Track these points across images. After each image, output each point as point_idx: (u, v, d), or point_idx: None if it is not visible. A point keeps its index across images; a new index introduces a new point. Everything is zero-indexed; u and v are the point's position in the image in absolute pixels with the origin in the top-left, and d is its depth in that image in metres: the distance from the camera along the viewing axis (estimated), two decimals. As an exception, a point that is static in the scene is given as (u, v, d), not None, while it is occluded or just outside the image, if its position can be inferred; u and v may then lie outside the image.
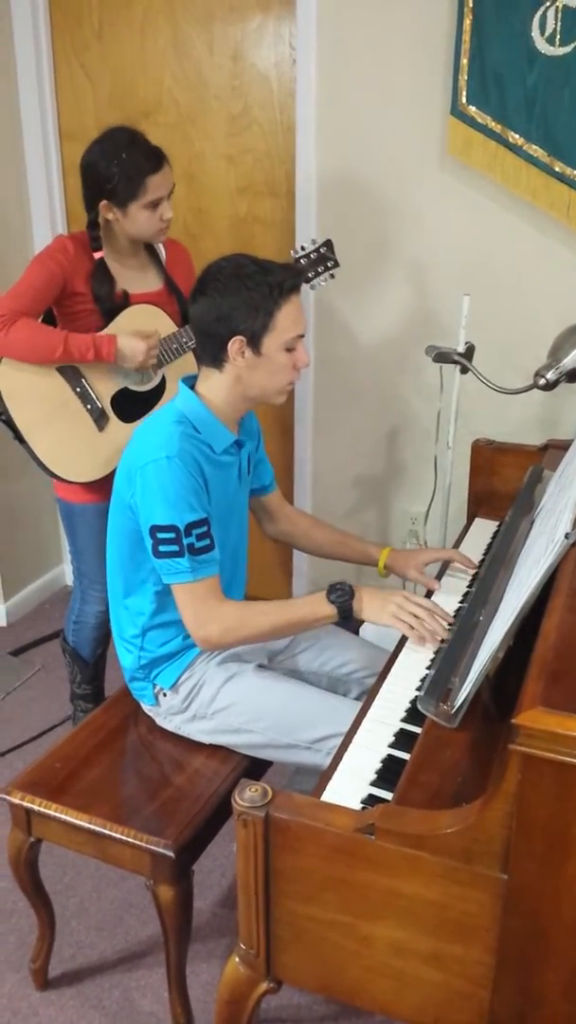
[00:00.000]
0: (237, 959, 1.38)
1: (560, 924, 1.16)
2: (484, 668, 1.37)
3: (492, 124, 2.47)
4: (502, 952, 1.20)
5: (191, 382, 1.84)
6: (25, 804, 1.78)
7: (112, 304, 2.23)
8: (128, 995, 1.98)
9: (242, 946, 1.36)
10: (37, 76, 2.99)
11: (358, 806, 1.35)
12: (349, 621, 1.75)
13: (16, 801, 1.79)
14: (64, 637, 2.61)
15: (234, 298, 1.70)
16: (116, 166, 2.11)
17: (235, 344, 1.72)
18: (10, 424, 2.23)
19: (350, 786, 1.41)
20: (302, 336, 1.78)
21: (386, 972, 1.28)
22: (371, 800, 1.37)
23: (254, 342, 1.73)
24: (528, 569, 1.47)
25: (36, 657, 3.16)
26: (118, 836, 1.71)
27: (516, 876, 1.15)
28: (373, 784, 1.41)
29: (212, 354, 1.77)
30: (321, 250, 2.31)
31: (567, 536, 1.30)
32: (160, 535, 1.70)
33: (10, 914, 2.16)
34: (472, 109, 2.48)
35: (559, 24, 2.33)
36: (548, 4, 2.32)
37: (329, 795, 1.39)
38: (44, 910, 1.95)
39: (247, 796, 1.27)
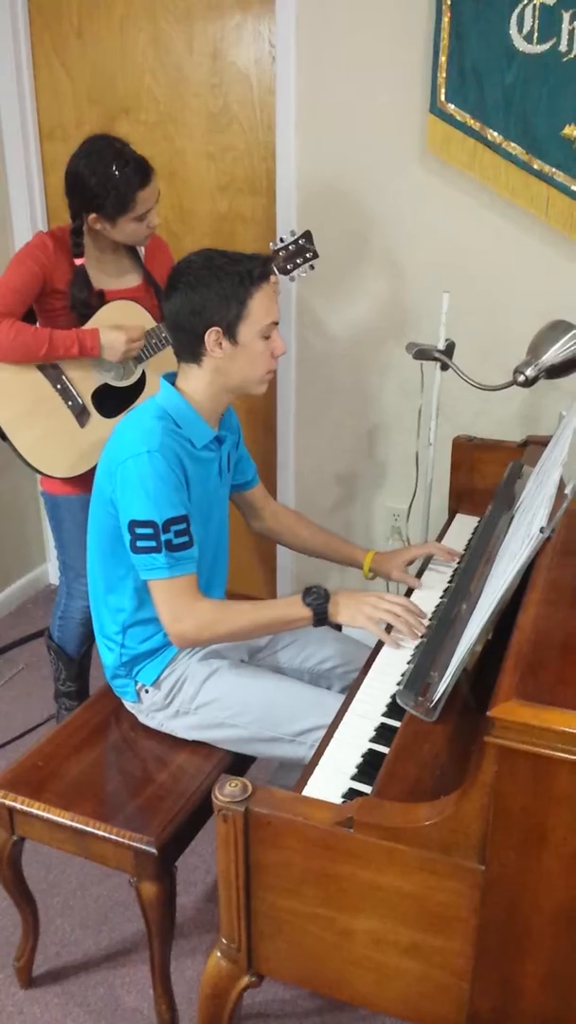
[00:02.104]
0: (219, 953, 1.38)
1: (538, 914, 1.17)
2: (462, 662, 1.38)
3: (471, 122, 2.48)
4: (481, 943, 1.21)
5: (172, 379, 1.84)
6: (7, 803, 1.78)
7: (88, 310, 2.24)
8: (113, 992, 1.98)
9: (223, 940, 1.36)
10: (16, 74, 2.98)
11: (339, 800, 1.36)
12: (324, 624, 1.76)
13: (-2, 799, 1.79)
14: (49, 634, 2.61)
15: (206, 290, 1.71)
16: (106, 184, 2.11)
17: (211, 336, 1.73)
18: None
19: (331, 781, 1.42)
20: (276, 323, 1.79)
21: (366, 964, 1.28)
22: (352, 794, 1.38)
23: (230, 332, 1.73)
24: (505, 564, 1.48)
25: (19, 656, 3.15)
26: (101, 833, 1.71)
27: (493, 867, 1.16)
28: (354, 778, 1.42)
29: (190, 349, 1.77)
30: (300, 241, 2.32)
31: (542, 530, 1.31)
32: (138, 530, 1.70)
33: (-6, 913, 2.16)
34: (451, 107, 2.49)
35: (536, 22, 2.34)
36: (526, 2, 2.33)
37: (310, 790, 1.40)
38: (28, 908, 1.95)
39: (227, 791, 1.27)
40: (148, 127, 2.92)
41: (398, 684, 1.62)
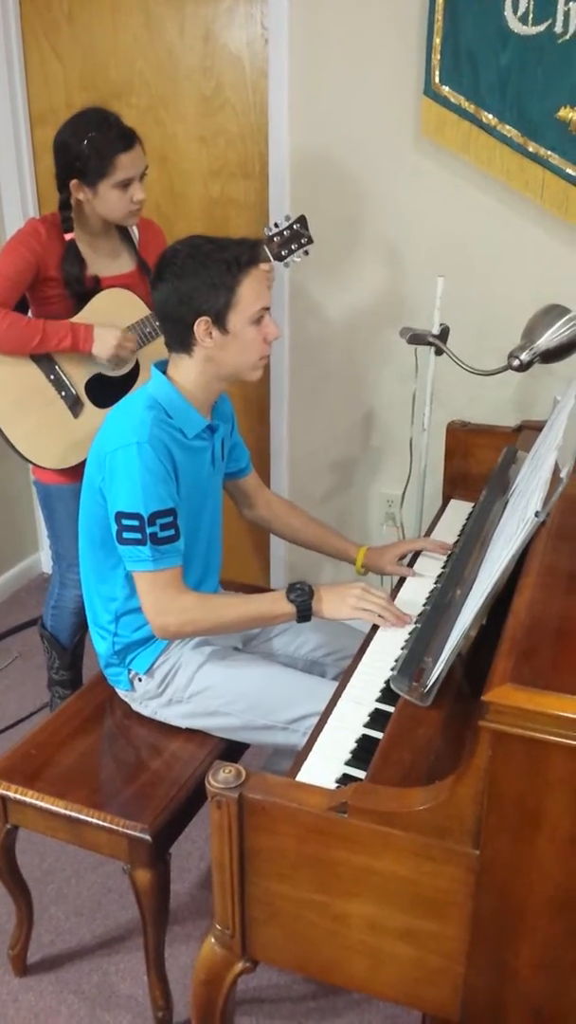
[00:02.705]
0: (213, 940, 1.38)
1: (532, 899, 1.17)
2: (456, 646, 1.38)
3: (465, 104, 2.46)
4: (475, 928, 1.21)
5: (163, 367, 1.82)
6: (0, 791, 1.77)
7: (82, 288, 2.22)
8: (107, 979, 1.98)
9: (218, 926, 1.36)
10: (7, 58, 2.95)
11: (333, 786, 1.35)
12: (307, 620, 1.75)
13: (-9, 788, 1.78)
14: (42, 623, 2.60)
15: (193, 279, 1.68)
16: (86, 144, 2.09)
17: (201, 325, 1.71)
18: None
19: (325, 766, 1.41)
20: (268, 308, 1.76)
21: (361, 949, 1.28)
22: (345, 779, 1.37)
23: (219, 321, 1.71)
24: (500, 548, 1.47)
25: (13, 645, 3.14)
26: (94, 821, 1.71)
27: (488, 852, 1.16)
28: (348, 764, 1.42)
29: (179, 339, 1.75)
30: (294, 227, 2.29)
31: (537, 515, 1.30)
32: (124, 521, 1.69)
33: (-12, 901, 2.16)
34: (445, 89, 2.47)
35: (532, 3, 2.31)
36: (520, -17, 2.31)
37: (304, 775, 1.39)
38: (22, 897, 1.95)
39: (221, 777, 1.27)
40: (140, 111, 2.90)
41: (392, 669, 1.62)
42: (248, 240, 1.75)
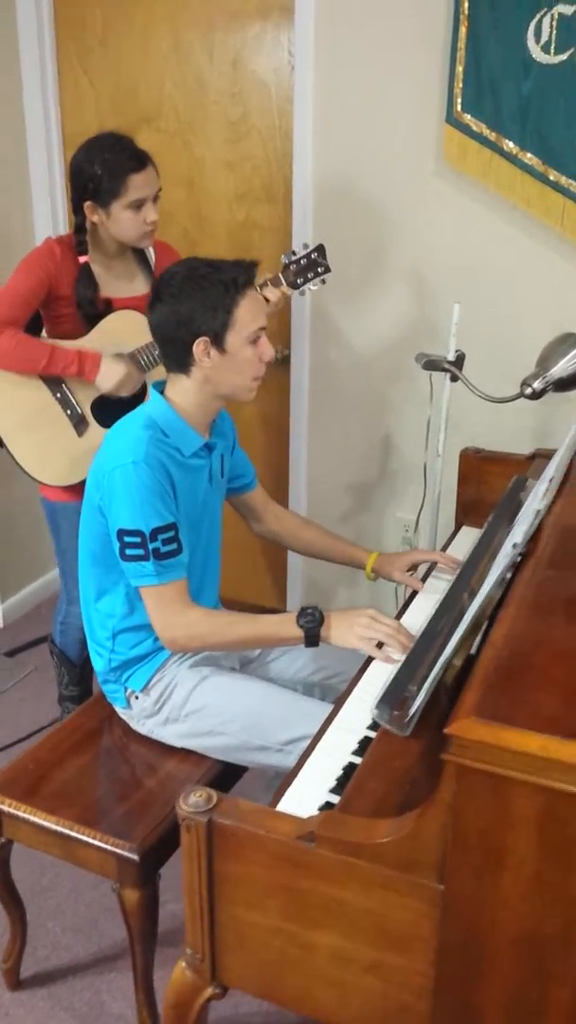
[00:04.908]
0: (184, 963, 1.37)
1: (497, 937, 1.15)
2: (437, 676, 1.36)
3: (487, 132, 2.46)
4: (441, 963, 1.19)
5: (161, 387, 1.85)
6: (-4, 805, 1.79)
7: (94, 311, 2.25)
8: (98, 997, 1.98)
9: (188, 950, 1.36)
10: (41, 81, 3.01)
11: (315, 813, 1.34)
12: (314, 645, 1.74)
13: (-12, 802, 1.80)
14: (51, 639, 2.62)
15: (191, 300, 1.71)
16: (99, 165, 2.13)
17: (199, 345, 1.73)
18: None
19: (309, 793, 1.41)
20: (263, 328, 1.78)
21: (328, 980, 1.27)
22: (328, 807, 1.36)
23: (217, 341, 1.74)
24: (489, 579, 1.46)
25: (30, 659, 3.17)
26: (84, 838, 1.71)
27: (452, 887, 1.14)
28: (332, 791, 1.41)
29: (178, 359, 1.78)
30: (312, 255, 2.30)
31: (515, 546, 1.29)
32: (126, 539, 1.71)
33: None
34: (467, 117, 2.47)
35: (554, 32, 2.32)
36: (544, 12, 2.31)
37: (288, 801, 1.39)
38: (16, 911, 1.96)
39: (191, 801, 1.27)
40: (168, 135, 2.94)
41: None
42: (244, 262, 1.77)
